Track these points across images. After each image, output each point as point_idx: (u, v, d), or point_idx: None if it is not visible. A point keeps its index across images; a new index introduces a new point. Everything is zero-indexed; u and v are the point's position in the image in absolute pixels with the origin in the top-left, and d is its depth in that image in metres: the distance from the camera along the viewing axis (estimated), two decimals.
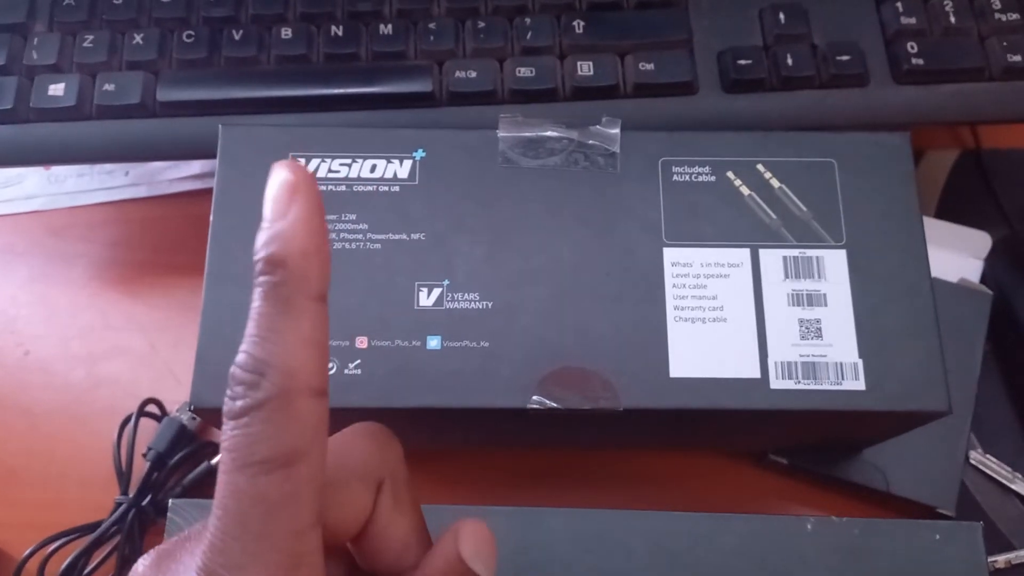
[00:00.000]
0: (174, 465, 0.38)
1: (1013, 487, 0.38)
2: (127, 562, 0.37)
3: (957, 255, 0.41)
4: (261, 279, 0.19)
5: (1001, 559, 0.37)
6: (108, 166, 0.46)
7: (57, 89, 0.37)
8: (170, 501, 0.29)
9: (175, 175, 0.45)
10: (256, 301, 0.19)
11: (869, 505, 0.38)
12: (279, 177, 0.20)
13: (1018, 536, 0.38)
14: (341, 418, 0.30)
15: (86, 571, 0.37)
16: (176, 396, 0.41)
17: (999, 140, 0.46)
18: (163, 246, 0.45)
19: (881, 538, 0.28)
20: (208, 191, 0.31)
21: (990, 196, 0.45)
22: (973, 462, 0.39)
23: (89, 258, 0.45)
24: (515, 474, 0.39)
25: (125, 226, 0.45)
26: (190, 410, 0.29)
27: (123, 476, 0.38)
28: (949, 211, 0.44)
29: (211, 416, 0.30)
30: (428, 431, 0.34)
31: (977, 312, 0.39)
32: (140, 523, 0.37)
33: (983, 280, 0.41)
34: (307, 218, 0.19)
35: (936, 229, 0.42)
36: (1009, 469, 0.39)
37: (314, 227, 0.19)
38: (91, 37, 0.37)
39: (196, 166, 0.45)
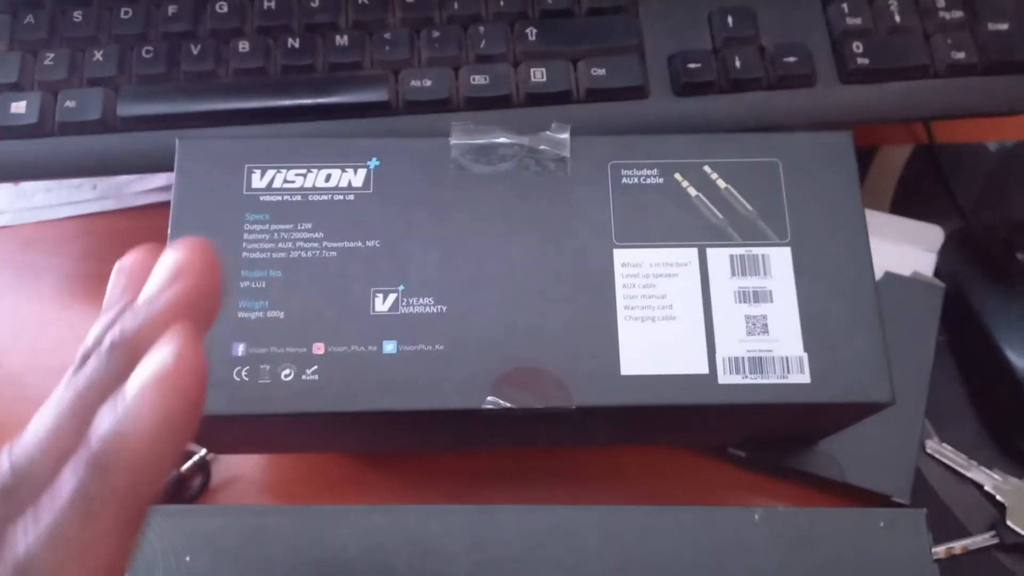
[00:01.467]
0: None
1: (969, 475, 0.39)
2: None
3: (911, 248, 0.42)
4: (78, 467, 0.16)
5: (958, 545, 0.38)
6: (75, 180, 0.46)
7: (19, 107, 0.37)
8: None
9: (141, 187, 0.46)
10: (60, 493, 0.16)
11: (826, 495, 0.39)
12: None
13: (974, 523, 0.39)
14: (300, 422, 0.31)
15: None
16: None
17: (953, 135, 0.47)
18: None
19: (827, 526, 0.29)
20: None
21: (944, 190, 0.45)
22: (929, 451, 0.40)
23: (58, 271, 0.45)
24: (475, 475, 0.40)
25: (93, 239, 0.46)
26: None
27: None
28: (904, 205, 0.45)
29: None
30: (387, 435, 0.34)
31: (930, 304, 0.40)
32: None
33: (936, 273, 0.42)
34: (167, 417, 0.17)
35: (890, 223, 0.43)
36: (964, 457, 0.40)
37: (170, 431, 0.17)
38: (51, 55, 0.38)
39: (161, 179, 0.45)
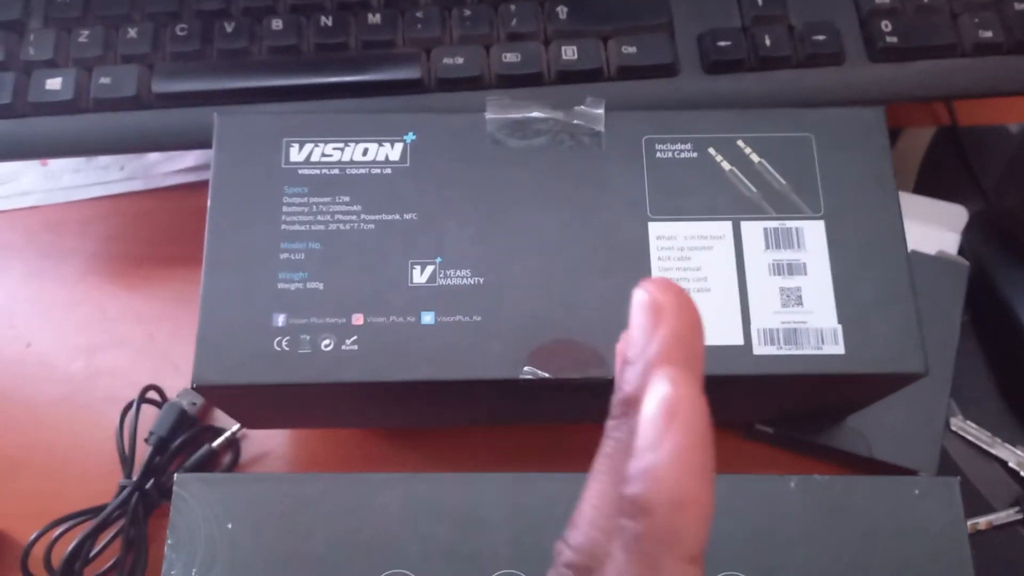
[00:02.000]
0: (176, 449, 0.39)
1: (993, 451, 0.40)
2: (132, 544, 0.37)
3: (935, 229, 0.42)
4: (624, 522, 0.16)
5: (982, 521, 0.38)
6: (103, 161, 0.47)
7: (54, 83, 0.38)
8: (176, 476, 0.30)
9: (169, 168, 0.46)
10: (616, 551, 0.16)
11: (853, 470, 0.39)
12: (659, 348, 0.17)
13: (998, 499, 0.39)
14: (339, 392, 0.31)
15: (91, 554, 0.37)
16: (175, 383, 0.42)
17: (975, 117, 0.47)
18: (158, 239, 0.45)
19: (862, 495, 0.29)
20: (201, 183, 0.32)
21: (967, 171, 0.46)
22: (954, 428, 0.40)
23: (86, 252, 0.45)
24: (505, 452, 0.40)
25: (120, 220, 0.46)
26: (192, 387, 0.30)
27: (126, 461, 0.39)
28: (927, 186, 0.45)
29: (212, 394, 0.31)
30: (423, 407, 0.35)
31: (955, 283, 0.40)
32: (144, 505, 0.38)
33: (961, 252, 0.42)
34: (687, 449, 0.16)
35: (915, 204, 0.43)
36: (988, 434, 0.40)
37: (695, 463, 0.16)
38: (86, 32, 0.38)
39: (190, 159, 0.46)
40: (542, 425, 0.40)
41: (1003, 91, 0.39)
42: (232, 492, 0.30)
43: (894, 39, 0.38)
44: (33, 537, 0.37)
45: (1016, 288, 0.41)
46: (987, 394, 0.41)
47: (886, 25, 0.38)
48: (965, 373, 0.41)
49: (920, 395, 0.37)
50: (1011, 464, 0.39)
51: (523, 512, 0.30)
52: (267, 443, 0.41)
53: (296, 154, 0.32)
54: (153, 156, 0.46)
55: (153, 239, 0.46)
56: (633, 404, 0.17)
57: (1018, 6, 0.38)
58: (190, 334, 0.37)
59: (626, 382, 0.18)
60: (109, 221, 0.46)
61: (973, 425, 0.40)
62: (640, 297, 0.18)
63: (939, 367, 0.39)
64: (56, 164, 0.47)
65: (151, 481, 0.38)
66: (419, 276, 0.31)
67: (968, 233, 0.42)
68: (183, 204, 0.46)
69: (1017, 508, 0.38)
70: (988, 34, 0.38)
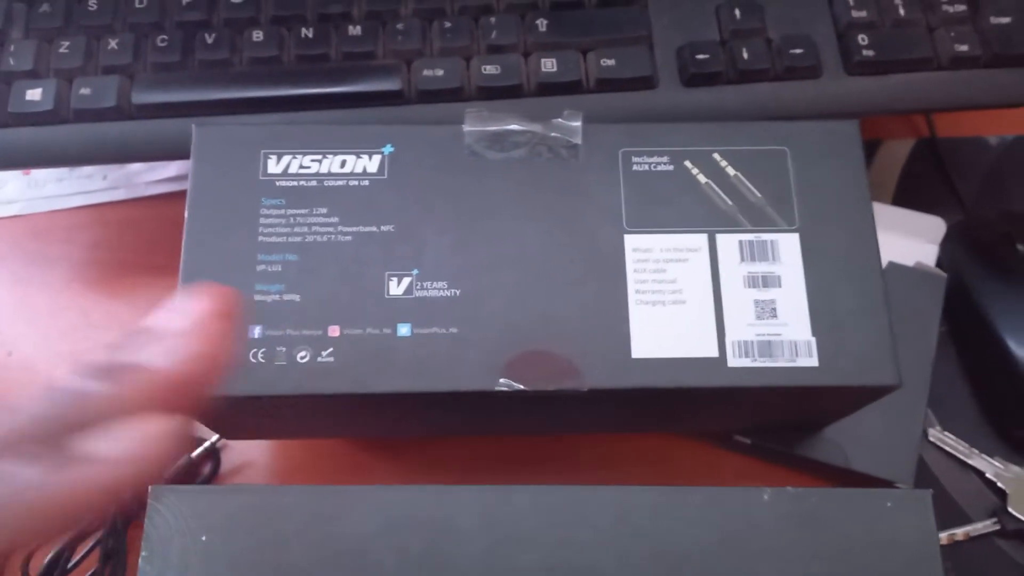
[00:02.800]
0: None
1: (970, 462, 0.40)
2: (110, 556, 0.37)
3: (913, 240, 0.42)
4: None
5: (960, 532, 0.38)
6: (86, 170, 0.47)
7: (34, 94, 0.38)
8: (150, 488, 0.30)
9: (151, 178, 0.46)
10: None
11: (830, 481, 0.39)
12: None
13: (975, 509, 0.39)
14: (315, 404, 0.31)
15: (69, 565, 0.37)
16: None
17: (954, 129, 0.47)
18: (141, 247, 0.46)
19: (836, 506, 0.29)
20: (183, 193, 0.32)
21: (945, 183, 0.46)
22: (932, 439, 0.40)
23: (69, 260, 0.45)
24: (484, 463, 0.40)
25: (104, 228, 0.46)
26: None
27: None
28: (906, 198, 0.45)
29: None
30: (400, 417, 0.35)
31: (933, 294, 0.41)
32: (123, 516, 0.38)
33: (938, 264, 0.42)
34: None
35: (893, 215, 0.43)
36: (966, 445, 0.40)
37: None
38: (67, 43, 0.38)
39: (172, 169, 0.46)
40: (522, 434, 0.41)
41: (979, 104, 0.39)
42: (206, 504, 0.30)
43: (871, 52, 0.38)
44: None
45: (993, 299, 0.41)
46: (965, 405, 0.41)
47: (863, 39, 0.38)
48: (943, 384, 0.41)
49: (897, 406, 0.37)
50: (988, 475, 0.39)
51: (498, 524, 0.30)
52: (248, 453, 0.41)
53: (274, 166, 0.33)
54: (136, 165, 0.46)
55: (136, 247, 0.46)
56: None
57: (994, 20, 0.39)
58: None
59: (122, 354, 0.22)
60: (92, 229, 0.46)
61: (951, 436, 0.40)
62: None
63: (916, 378, 0.39)
64: (39, 173, 0.47)
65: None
66: (396, 288, 0.31)
67: (946, 244, 0.43)
68: (166, 213, 0.46)
69: (994, 519, 0.39)
70: (964, 48, 0.38)
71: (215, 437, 0.40)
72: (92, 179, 0.47)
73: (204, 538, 0.30)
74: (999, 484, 0.39)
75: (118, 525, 0.38)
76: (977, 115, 0.46)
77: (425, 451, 0.41)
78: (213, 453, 0.40)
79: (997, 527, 0.39)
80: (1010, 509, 0.39)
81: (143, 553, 0.30)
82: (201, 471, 0.40)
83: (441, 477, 0.40)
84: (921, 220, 0.43)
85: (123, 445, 0.20)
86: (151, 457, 0.20)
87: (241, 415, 0.33)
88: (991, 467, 0.40)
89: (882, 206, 0.43)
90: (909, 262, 0.41)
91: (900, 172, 0.46)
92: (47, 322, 0.44)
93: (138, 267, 0.45)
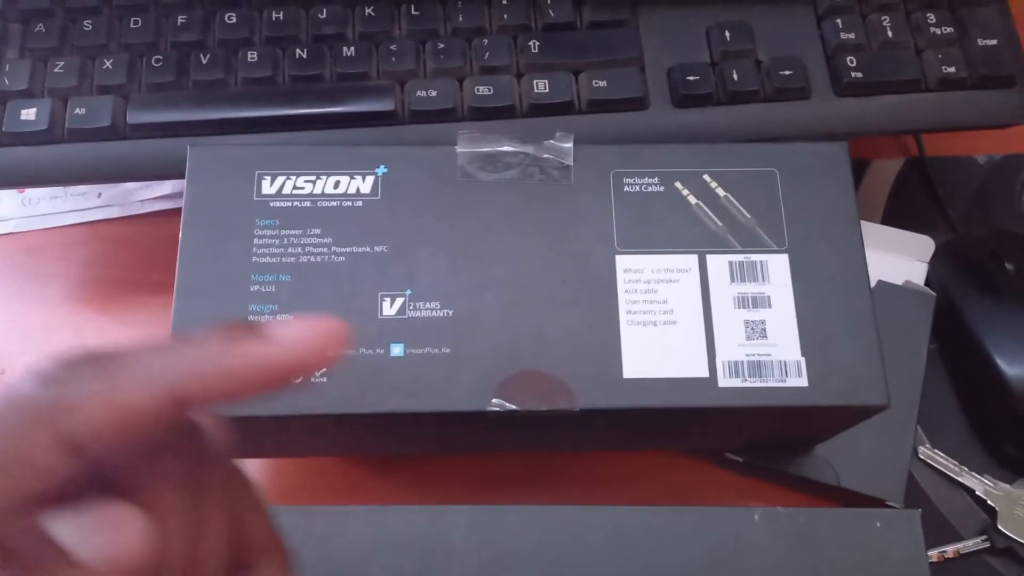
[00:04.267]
0: None
1: (960, 480, 0.40)
2: None
3: (902, 259, 0.43)
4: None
5: (950, 549, 0.39)
6: (81, 188, 0.47)
7: (29, 114, 0.38)
8: None
9: (146, 196, 0.46)
10: None
11: (821, 500, 0.39)
12: None
13: (965, 527, 0.39)
14: (308, 424, 0.32)
15: None
16: None
17: (943, 149, 0.48)
18: (136, 265, 0.46)
19: (825, 526, 0.30)
20: (178, 211, 0.32)
21: (934, 202, 0.47)
22: (922, 457, 0.40)
23: (64, 277, 0.46)
24: (477, 480, 0.40)
25: (99, 246, 0.46)
26: None
27: None
28: (895, 217, 0.46)
29: None
30: (393, 437, 0.35)
31: (922, 313, 0.41)
32: None
33: (927, 282, 0.43)
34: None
35: (882, 234, 0.43)
36: (956, 463, 0.40)
37: None
38: (62, 63, 0.39)
39: (167, 186, 0.46)
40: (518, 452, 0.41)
41: (967, 125, 0.40)
42: None
43: (859, 74, 0.38)
44: None
45: (982, 317, 0.41)
46: (954, 423, 0.42)
47: (851, 60, 0.39)
48: (932, 402, 0.41)
49: (887, 424, 0.38)
50: (978, 492, 0.40)
51: (490, 543, 0.30)
52: None
53: (268, 187, 0.33)
54: (130, 183, 0.46)
55: (130, 265, 0.46)
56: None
57: (981, 42, 0.39)
58: None
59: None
60: (87, 247, 0.46)
61: (941, 454, 0.41)
62: None
63: (906, 396, 0.39)
64: (34, 191, 0.47)
65: None
66: (389, 308, 0.32)
67: (935, 263, 0.43)
68: (161, 231, 0.46)
69: (984, 537, 0.39)
70: (952, 69, 0.39)
71: None
72: (87, 197, 0.47)
73: None
74: (989, 502, 0.39)
75: None
76: (965, 134, 0.47)
77: (418, 468, 0.41)
78: None
79: (987, 544, 0.39)
80: (1000, 526, 0.39)
81: None
82: None
83: (434, 494, 0.40)
84: (910, 239, 0.43)
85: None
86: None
87: (233, 435, 0.33)
88: (981, 485, 0.40)
89: (871, 225, 0.44)
90: (898, 281, 0.42)
91: (889, 191, 0.47)
92: (41, 341, 0.44)
93: (133, 284, 0.45)
